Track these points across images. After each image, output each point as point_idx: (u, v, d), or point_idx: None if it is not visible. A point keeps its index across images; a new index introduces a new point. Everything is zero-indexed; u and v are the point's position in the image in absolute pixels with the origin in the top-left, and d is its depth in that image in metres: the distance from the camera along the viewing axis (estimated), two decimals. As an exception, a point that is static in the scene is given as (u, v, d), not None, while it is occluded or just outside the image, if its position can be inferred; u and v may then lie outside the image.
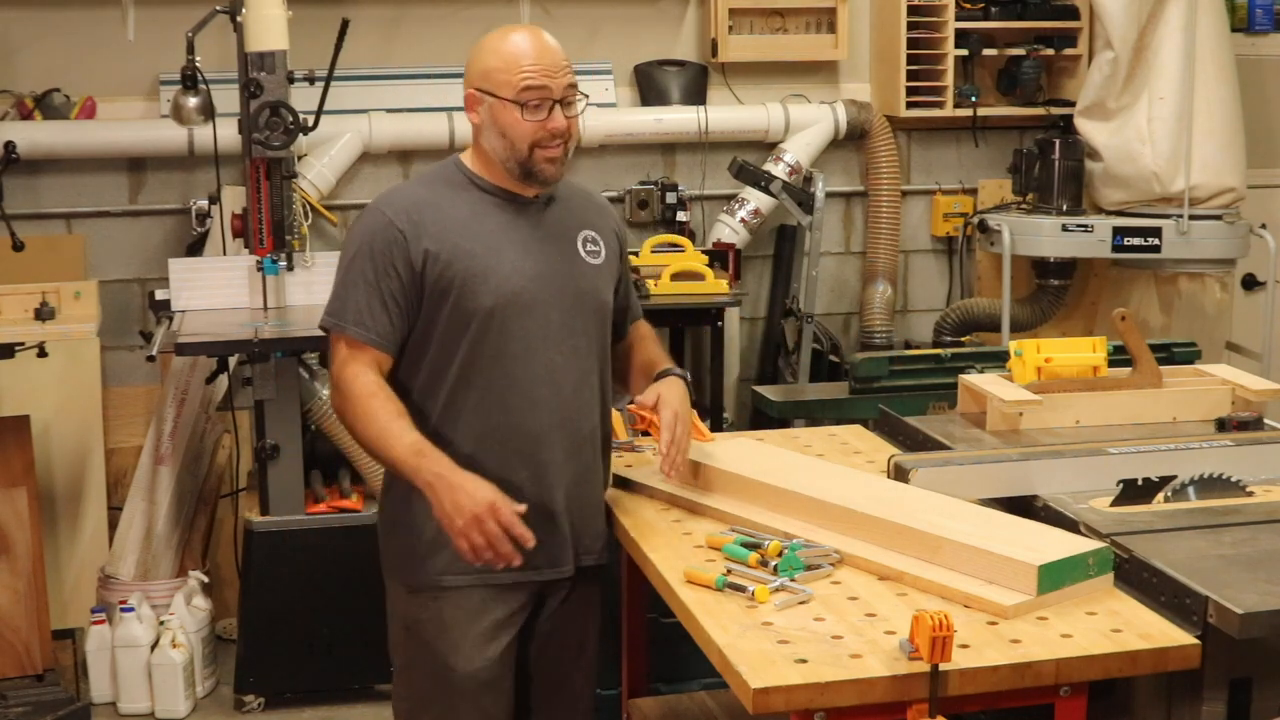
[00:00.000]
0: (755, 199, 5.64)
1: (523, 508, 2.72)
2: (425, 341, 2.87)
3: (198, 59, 4.58)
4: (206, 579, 4.89)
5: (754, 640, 2.34)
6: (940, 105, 5.76)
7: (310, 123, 4.71)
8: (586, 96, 2.92)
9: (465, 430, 2.86)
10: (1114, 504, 2.80)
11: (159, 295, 4.81)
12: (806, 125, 5.73)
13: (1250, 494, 2.86)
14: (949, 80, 5.74)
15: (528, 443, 2.87)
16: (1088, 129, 5.55)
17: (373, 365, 2.82)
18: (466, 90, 2.88)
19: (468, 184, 2.91)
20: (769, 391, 4.59)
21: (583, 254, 2.97)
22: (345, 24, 4.69)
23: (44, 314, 4.51)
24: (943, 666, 2.21)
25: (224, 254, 5.00)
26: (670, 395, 2.97)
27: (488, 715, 2.93)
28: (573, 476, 2.93)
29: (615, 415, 3.38)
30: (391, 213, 2.84)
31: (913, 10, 5.67)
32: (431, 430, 2.83)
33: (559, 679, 3.07)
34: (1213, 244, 5.45)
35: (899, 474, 2.97)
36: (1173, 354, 3.96)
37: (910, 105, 5.73)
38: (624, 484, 3.13)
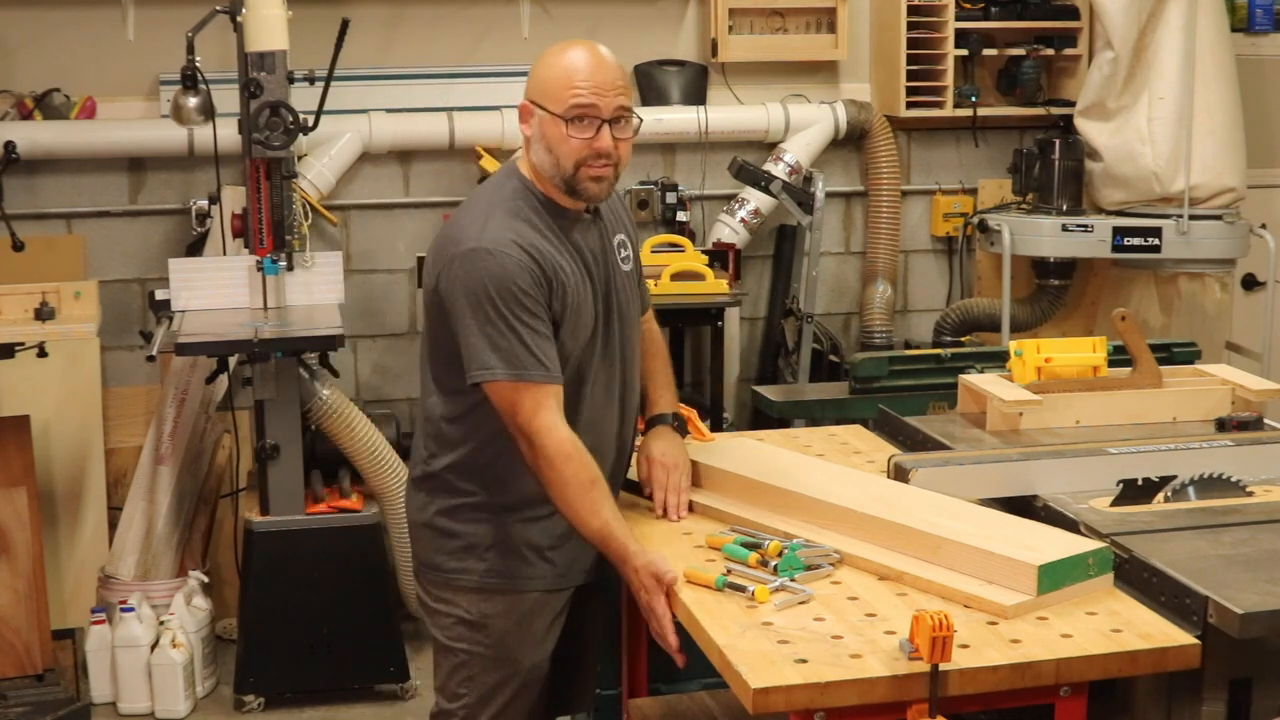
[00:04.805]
0: (755, 199, 5.64)
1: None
2: None
3: (198, 59, 4.57)
4: (206, 579, 4.89)
5: (754, 640, 2.34)
6: (940, 105, 5.76)
7: (310, 123, 4.71)
8: (640, 119, 2.85)
9: None
10: (1114, 504, 2.80)
11: (159, 295, 4.81)
12: (806, 125, 5.73)
13: (1250, 494, 2.86)
14: (949, 80, 5.74)
15: (598, 461, 2.82)
16: (1088, 129, 5.55)
17: (559, 409, 2.74)
18: (522, 101, 2.84)
19: (541, 207, 2.83)
20: (769, 391, 4.59)
21: (619, 261, 2.95)
22: (345, 24, 4.69)
23: (44, 314, 4.51)
24: (943, 666, 2.21)
25: (224, 254, 5.00)
26: (665, 454, 3.01)
27: (536, 709, 2.99)
28: (614, 487, 2.92)
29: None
30: (518, 253, 2.74)
31: (913, 10, 5.67)
32: None
33: (575, 676, 3.11)
34: (1213, 244, 5.45)
35: (899, 474, 2.97)
36: (1173, 354, 3.95)
37: (910, 105, 5.73)
38: (624, 484, 3.13)
